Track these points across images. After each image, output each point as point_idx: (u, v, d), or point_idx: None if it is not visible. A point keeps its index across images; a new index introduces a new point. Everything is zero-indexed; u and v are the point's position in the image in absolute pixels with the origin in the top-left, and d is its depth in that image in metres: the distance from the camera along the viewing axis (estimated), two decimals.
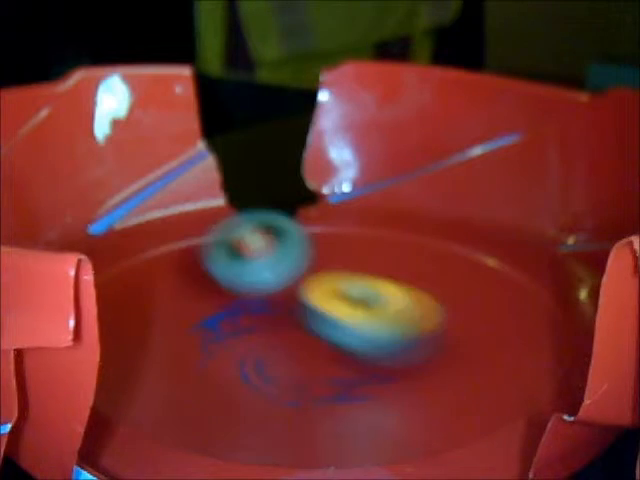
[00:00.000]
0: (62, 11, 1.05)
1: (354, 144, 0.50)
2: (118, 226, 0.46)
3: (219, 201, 0.48)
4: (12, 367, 0.23)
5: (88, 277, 0.22)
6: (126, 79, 0.47)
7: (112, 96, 0.47)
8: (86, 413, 0.23)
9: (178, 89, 0.48)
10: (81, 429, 0.24)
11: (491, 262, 0.43)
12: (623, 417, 0.25)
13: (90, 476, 0.26)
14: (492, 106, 0.48)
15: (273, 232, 0.39)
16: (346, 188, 0.50)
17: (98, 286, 0.22)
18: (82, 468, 0.26)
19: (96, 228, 0.46)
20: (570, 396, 0.26)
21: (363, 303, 0.35)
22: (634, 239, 0.22)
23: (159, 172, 0.48)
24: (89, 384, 0.23)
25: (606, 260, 0.22)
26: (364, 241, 0.46)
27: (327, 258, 0.40)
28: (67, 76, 0.45)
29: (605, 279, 0.22)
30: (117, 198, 0.47)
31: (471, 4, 1.00)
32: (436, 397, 0.33)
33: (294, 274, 0.37)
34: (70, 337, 0.22)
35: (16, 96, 0.43)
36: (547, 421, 0.25)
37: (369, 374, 0.34)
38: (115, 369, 0.27)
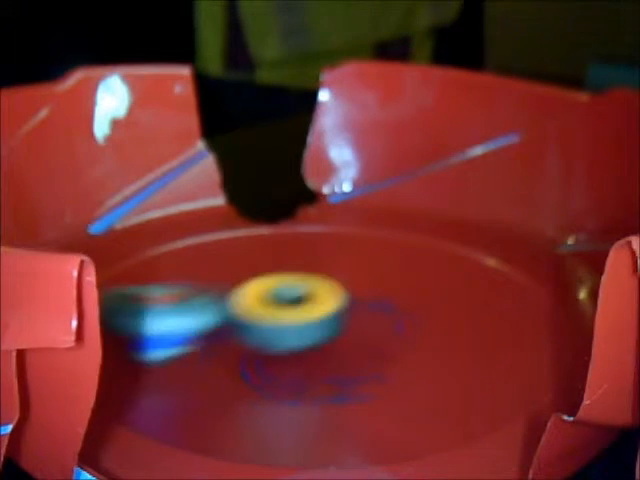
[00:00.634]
0: (62, 11, 1.05)
1: (354, 144, 0.50)
2: (118, 226, 0.46)
3: (219, 201, 0.48)
4: (14, 368, 0.23)
5: (90, 278, 0.22)
6: (126, 79, 0.47)
7: (112, 96, 0.47)
8: (87, 414, 0.23)
9: (178, 89, 0.48)
10: (82, 430, 0.24)
11: (491, 262, 0.43)
12: (623, 417, 0.25)
13: (90, 477, 0.26)
14: (492, 106, 0.48)
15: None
16: (346, 188, 0.50)
17: (98, 286, 0.22)
18: (82, 469, 0.26)
19: (96, 228, 0.46)
20: (570, 396, 0.26)
21: (290, 304, 0.35)
22: (633, 239, 0.22)
23: (159, 172, 0.48)
24: (90, 385, 0.23)
25: (606, 260, 0.22)
26: (364, 241, 0.46)
27: (327, 258, 0.40)
28: (67, 76, 0.45)
29: (604, 279, 0.22)
30: (117, 198, 0.47)
31: (471, 4, 1.00)
32: (436, 397, 0.33)
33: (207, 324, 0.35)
34: (72, 338, 0.22)
35: (16, 96, 0.43)
36: (547, 421, 0.25)
37: (369, 374, 0.34)
38: (115, 369, 0.27)
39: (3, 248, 0.22)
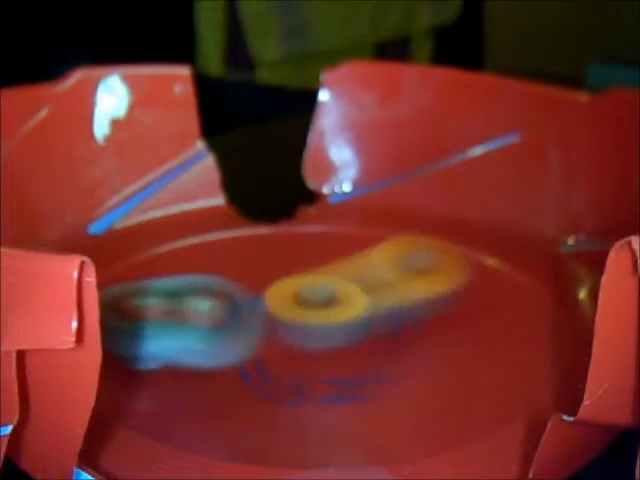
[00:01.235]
0: (62, 11, 1.05)
1: (354, 144, 0.50)
2: (118, 226, 0.46)
3: (219, 201, 0.48)
4: (14, 368, 0.23)
5: (91, 279, 0.22)
6: (126, 79, 0.47)
7: (112, 96, 0.47)
8: (87, 415, 0.23)
9: (177, 89, 0.48)
10: (82, 430, 0.24)
11: (491, 262, 0.43)
12: (623, 417, 0.25)
13: (90, 477, 0.26)
14: (492, 106, 0.48)
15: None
16: (346, 188, 0.50)
17: (98, 286, 0.22)
18: (82, 469, 0.26)
19: (96, 228, 0.46)
20: (570, 396, 0.26)
21: (320, 304, 0.36)
22: (633, 239, 0.22)
23: (159, 172, 0.48)
24: (90, 385, 0.23)
25: (606, 260, 0.22)
26: (364, 241, 0.46)
27: (327, 258, 0.40)
28: (67, 76, 0.45)
29: (604, 279, 0.22)
30: (117, 198, 0.47)
31: (471, 4, 1.00)
32: (435, 397, 0.33)
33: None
34: (72, 339, 0.22)
35: (16, 96, 0.43)
36: (547, 421, 0.25)
37: (369, 374, 0.34)
38: (115, 369, 0.27)
39: (3, 248, 0.22)
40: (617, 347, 0.23)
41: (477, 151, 0.48)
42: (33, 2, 1.06)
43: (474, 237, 0.45)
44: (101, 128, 0.46)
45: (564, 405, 0.25)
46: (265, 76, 0.89)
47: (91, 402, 0.23)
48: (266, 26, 0.87)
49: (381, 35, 0.90)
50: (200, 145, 0.48)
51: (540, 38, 1.26)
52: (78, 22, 1.07)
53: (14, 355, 0.23)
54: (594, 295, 0.23)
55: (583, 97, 0.45)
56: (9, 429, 0.24)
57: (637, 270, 0.21)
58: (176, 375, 0.35)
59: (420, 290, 0.37)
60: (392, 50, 0.91)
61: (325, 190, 0.50)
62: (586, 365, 0.23)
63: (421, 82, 0.49)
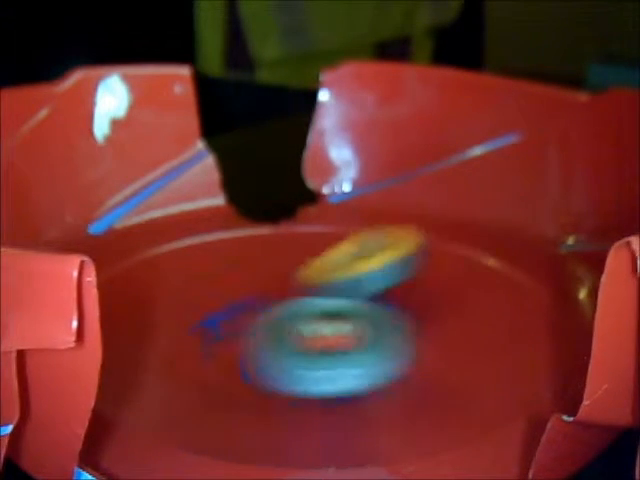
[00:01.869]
0: (62, 11, 1.05)
1: (354, 144, 0.50)
2: (118, 226, 0.46)
3: (219, 201, 0.48)
4: (14, 368, 0.23)
5: (91, 279, 0.22)
6: (125, 79, 0.47)
7: (111, 96, 0.47)
8: (87, 414, 0.23)
9: (177, 89, 0.48)
10: (82, 430, 0.24)
11: (491, 262, 0.43)
12: (623, 417, 0.25)
13: (90, 477, 0.26)
14: (492, 106, 0.48)
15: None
16: (346, 188, 0.50)
17: (98, 286, 0.22)
18: (82, 469, 0.26)
19: (96, 228, 0.46)
20: (570, 396, 0.26)
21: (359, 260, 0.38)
22: (633, 239, 0.22)
23: (159, 172, 0.48)
24: (91, 385, 0.23)
25: (606, 260, 0.22)
26: None
27: None
28: (66, 76, 0.45)
29: (604, 279, 0.22)
30: (117, 198, 0.47)
31: (471, 4, 1.00)
32: (435, 397, 0.33)
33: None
34: (72, 338, 0.22)
35: (15, 96, 0.43)
36: (547, 421, 0.25)
37: None
38: (115, 369, 0.27)
39: (3, 248, 0.22)
40: (617, 347, 0.23)
41: (477, 151, 0.48)
42: (33, 2, 1.06)
43: (474, 237, 0.45)
44: (101, 128, 0.47)
45: (564, 405, 0.25)
46: (265, 76, 0.89)
47: (91, 402, 0.23)
48: (266, 26, 0.87)
49: (381, 35, 0.90)
50: (200, 145, 0.48)
51: (540, 38, 1.26)
52: (78, 22, 1.08)
53: (14, 355, 0.23)
54: (594, 295, 0.23)
55: (583, 97, 0.45)
56: (9, 429, 0.24)
57: (636, 270, 0.21)
58: (176, 375, 0.35)
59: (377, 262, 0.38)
60: (392, 50, 0.91)
61: (325, 190, 0.50)
62: (586, 365, 0.23)
63: (421, 82, 0.50)
